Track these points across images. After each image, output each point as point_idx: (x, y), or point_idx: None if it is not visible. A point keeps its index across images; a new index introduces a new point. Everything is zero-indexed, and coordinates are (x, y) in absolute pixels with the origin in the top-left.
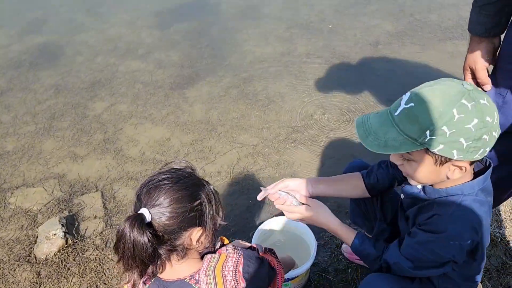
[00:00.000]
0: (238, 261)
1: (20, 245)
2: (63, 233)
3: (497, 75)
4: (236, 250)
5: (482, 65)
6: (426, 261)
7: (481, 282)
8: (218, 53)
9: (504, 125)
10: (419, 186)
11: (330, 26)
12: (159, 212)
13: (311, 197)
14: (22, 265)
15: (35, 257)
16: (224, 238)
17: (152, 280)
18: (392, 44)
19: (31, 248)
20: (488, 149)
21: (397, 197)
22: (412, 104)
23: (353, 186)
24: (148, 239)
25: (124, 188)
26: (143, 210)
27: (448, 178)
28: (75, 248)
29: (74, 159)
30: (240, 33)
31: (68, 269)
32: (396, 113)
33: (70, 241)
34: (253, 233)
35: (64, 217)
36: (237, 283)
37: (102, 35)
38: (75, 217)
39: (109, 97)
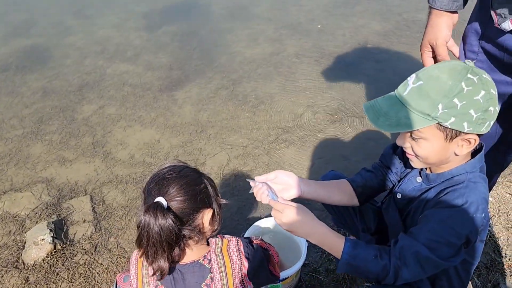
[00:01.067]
0: (238, 244)
1: (8, 250)
2: (51, 238)
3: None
4: (233, 236)
5: (443, 41)
6: (445, 244)
7: (470, 280)
8: (207, 55)
9: None
10: (419, 179)
11: (319, 26)
12: (172, 198)
13: (302, 196)
14: (10, 271)
15: (23, 263)
16: None
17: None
18: (381, 44)
19: (19, 253)
20: (492, 123)
21: (376, 205)
22: (421, 82)
23: (342, 190)
24: (172, 220)
25: (114, 191)
26: (159, 199)
27: (456, 154)
28: (64, 253)
29: (63, 162)
30: (229, 34)
31: (57, 274)
32: (405, 93)
33: (58, 246)
34: (244, 234)
35: (52, 222)
36: (241, 263)
37: (90, 37)
38: (63, 221)
39: (98, 100)
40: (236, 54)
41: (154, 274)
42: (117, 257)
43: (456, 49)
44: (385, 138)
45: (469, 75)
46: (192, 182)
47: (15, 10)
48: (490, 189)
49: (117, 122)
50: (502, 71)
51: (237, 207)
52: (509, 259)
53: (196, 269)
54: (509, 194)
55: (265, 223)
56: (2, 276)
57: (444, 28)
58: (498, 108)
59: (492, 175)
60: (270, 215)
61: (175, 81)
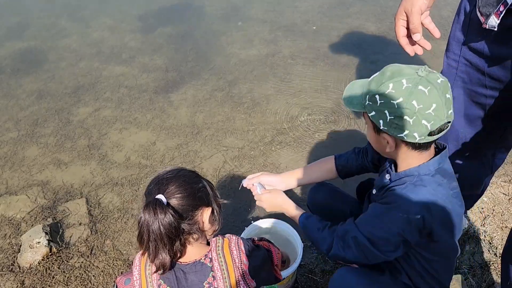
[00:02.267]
0: (238, 242)
1: (3, 254)
2: (47, 241)
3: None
4: (233, 234)
5: (418, 9)
6: (380, 238)
7: (465, 280)
8: (203, 56)
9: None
10: (387, 176)
11: (314, 27)
12: (171, 195)
13: (289, 187)
14: (5, 274)
15: (19, 266)
16: None
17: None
18: (376, 45)
19: (14, 257)
20: (416, 135)
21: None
22: (378, 73)
23: (323, 168)
24: (172, 215)
25: (109, 194)
26: (159, 196)
27: (387, 151)
28: (60, 256)
29: (58, 165)
30: (224, 36)
31: (53, 277)
32: (370, 78)
33: (54, 249)
34: (240, 236)
35: (48, 225)
36: (241, 261)
37: (85, 39)
38: (59, 224)
39: (93, 102)
40: (231, 56)
41: (157, 270)
42: (113, 260)
43: (432, 26)
44: None
45: (403, 80)
46: (190, 181)
47: (8, 13)
48: (482, 192)
49: (113, 124)
50: (482, 84)
51: (233, 208)
52: None
53: (198, 268)
54: (503, 194)
55: (261, 224)
56: None
57: None
58: (428, 124)
59: (482, 178)
60: (266, 217)
61: (171, 83)
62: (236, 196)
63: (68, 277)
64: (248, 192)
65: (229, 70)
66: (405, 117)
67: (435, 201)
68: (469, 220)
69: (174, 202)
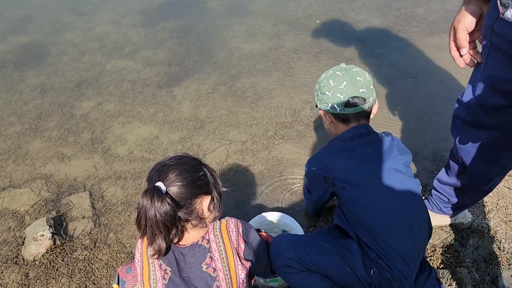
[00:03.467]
0: (237, 224)
1: (8, 246)
2: (51, 234)
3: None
4: (233, 217)
5: (463, 26)
6: (307, 186)
7: (468, 273)
8: (206, 51)
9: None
10: None
11: (318, 21)
12: (171, 183)
13: None
14: (9, 267)
15: (23, 259)
16: None
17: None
18: (379, 39)
19: (18, 249)
20: (336, 106)
21: None
22: None
23: None
24: (168, 204)
25: (113, 187)
26: (158, 183)
27: (327, 127)
28: (64, 249)
29: (62, 159)
30: (227, 30)
31: (57, 270)
32: None
33: (58, 242)
34: None
35: (51, 218)
36: (238, 244)
37: (87, 34)
38: (63, 217)
39: (96, 96)
40: (234, 50)
41: (154, 254)
42: (116, 253)
43: (474, 51)
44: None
45: (330, 70)
46: (191, 169)
47: (11, 7)
48: (490, 189)
49: (116, 118)
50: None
51: (236, 202)
52: (508, 253)
53: (196, 250)
54: (508, 188)
55: (264, 218)
56: (2, 272)
57: (467, 14)
58: (342, 97)
59: (493, 176)
60: (269, 211)
61: (174, 77)
62: (239, 190)
63: (71, 270)
64: (250, 186)
65: (232, 64)
66: (326, 92)
67: (320, 156)
68: (472, 214)
69: (173, 190)
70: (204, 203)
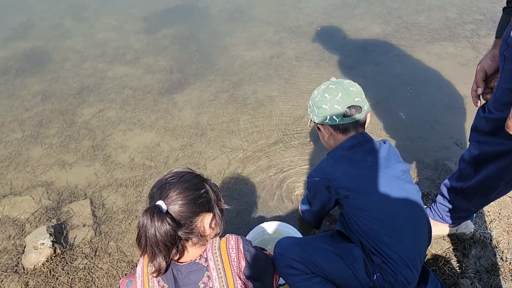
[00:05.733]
0: (238, 241)
1: (8, 255)
2: (51, 242)
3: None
4: (233, 234)
5: (482, 67)
6: (309, 197)
7: (471, 284)
8: (207, 58)
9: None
10: None
11: (319, 29)
12: (172, 202)
13: None
14: (9, 275)
15: (23, 267)
16: None
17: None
18: (380, 47)
19: (18, 258)
20: (334, 117)
21: None
22: None
23: None
24: (169, 224)
25: (114, 195)
26: (159, 202)
27: (326, 140)
28: (64, 257)
29: (62, 166)
30: (228, 37)
31: (57, 279)
32: None
33: (58, 250)
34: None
35: (52, 226)
36: (239, 261)
37: (89, 40)
38: (63, 225)
39: (98, 103)
40: (236, 57)
41: (153, 272)
42: (117, 262)
43: (488, 96)
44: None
45: (322, 86)
46: (192, 187)
47: (12, 12)
48: (494, 198)
49: (117, 125)
50: None
51: (237, 211)
52: (510, 263)
53: (194, 268)
54: (510, 197)
55: (265, 227)
56: (2, 281)
57: (487, 57)
58: (340, 108)
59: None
60: (270, 219)
61: (175, 84)
62: (240, 198)
63: (72, 279)
64: (252, 195)
65: (234, 72)
66: (323, 105)
67: (324, 167)
68: (475, 223)
69: (174, 209)
70: (205, 221)
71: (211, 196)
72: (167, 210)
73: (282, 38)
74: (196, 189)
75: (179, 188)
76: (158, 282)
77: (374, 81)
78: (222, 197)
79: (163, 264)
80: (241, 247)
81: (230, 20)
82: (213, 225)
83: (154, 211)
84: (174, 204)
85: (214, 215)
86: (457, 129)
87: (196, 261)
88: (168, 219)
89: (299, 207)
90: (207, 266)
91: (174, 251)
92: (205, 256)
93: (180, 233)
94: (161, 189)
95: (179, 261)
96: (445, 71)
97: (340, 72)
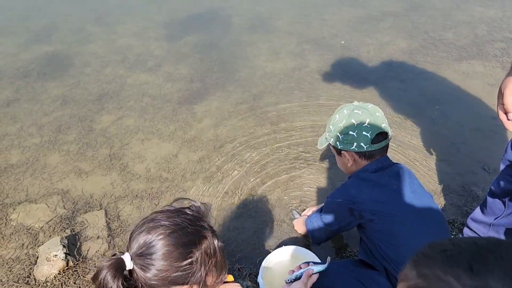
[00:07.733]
0: None
1: (20, 265)
2: (64, 254)
3: None
4: (237, 284)
5: (510, 90)
6: (327, 218)
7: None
8: (228, 68)
9: None
10: None
11: (343, 42)
12: (143, 264)
13: None
14: (21, 286)
15: (35, 279)
16: (228, 275)
17: None
18: (406, 63)
19: (31, 268)
20: (362, 144)
21: None
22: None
23: None
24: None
25: (129, 206)
26: (126, 257)
27: (350, 166)
28: (76, 270)
29: (79, 174)
30: (250, 47)
31: None
32: None
33: (71, 263)
34: (260, 260)
35: (65, 237)
36: None
37: (110, 45)
38: (77, 236)
39: (117, 110)
40: (257, 68)
41: None
42: None
43: None
44: (404, 162)
45: (344, 110)
46: (175, 255)
47: (36, 16)
48: None
49: (135, 134)
50: None
51: (253, 230)
52: None
53: None
54: None
55: (282, 251)
56: None
57: None
58: (368, 134)
59: None
60: (287, 240)
61: (195, 94)
62: (257, 216)
63: None
64: (269, 213)
65: (255, 83)
66: (350, 132)
67: (347, 189)
68: None
69: (140, 273)
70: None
71: (196, 269)
72: (130, 269)
73: (304, 50)
74: (179, 259)
75: (160, 250)
76: None
77: (398, 98)
78: (225, 264)
79: None
80: None
81: (253, 30)
82: (212, 281)
83: (113, 265)
84: (143, 268)
85: (199, 283)
86: (485, 153)
87: None
88: (120, 282)
89: (303, 224)
90: None
91: None
92: None
93: None
94: (139, 238)
95: None
96: (473, 91)
97: (363, 88)
